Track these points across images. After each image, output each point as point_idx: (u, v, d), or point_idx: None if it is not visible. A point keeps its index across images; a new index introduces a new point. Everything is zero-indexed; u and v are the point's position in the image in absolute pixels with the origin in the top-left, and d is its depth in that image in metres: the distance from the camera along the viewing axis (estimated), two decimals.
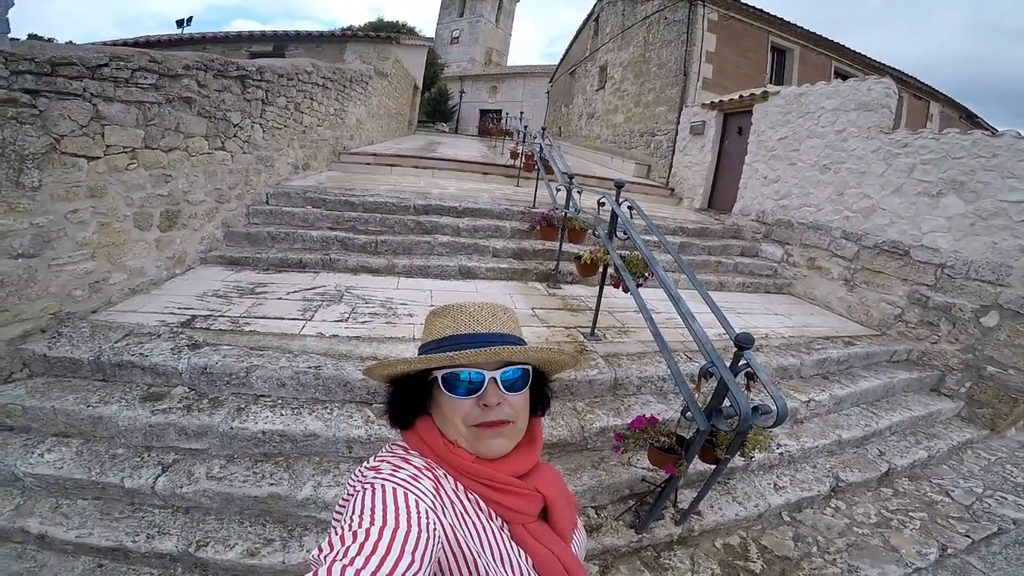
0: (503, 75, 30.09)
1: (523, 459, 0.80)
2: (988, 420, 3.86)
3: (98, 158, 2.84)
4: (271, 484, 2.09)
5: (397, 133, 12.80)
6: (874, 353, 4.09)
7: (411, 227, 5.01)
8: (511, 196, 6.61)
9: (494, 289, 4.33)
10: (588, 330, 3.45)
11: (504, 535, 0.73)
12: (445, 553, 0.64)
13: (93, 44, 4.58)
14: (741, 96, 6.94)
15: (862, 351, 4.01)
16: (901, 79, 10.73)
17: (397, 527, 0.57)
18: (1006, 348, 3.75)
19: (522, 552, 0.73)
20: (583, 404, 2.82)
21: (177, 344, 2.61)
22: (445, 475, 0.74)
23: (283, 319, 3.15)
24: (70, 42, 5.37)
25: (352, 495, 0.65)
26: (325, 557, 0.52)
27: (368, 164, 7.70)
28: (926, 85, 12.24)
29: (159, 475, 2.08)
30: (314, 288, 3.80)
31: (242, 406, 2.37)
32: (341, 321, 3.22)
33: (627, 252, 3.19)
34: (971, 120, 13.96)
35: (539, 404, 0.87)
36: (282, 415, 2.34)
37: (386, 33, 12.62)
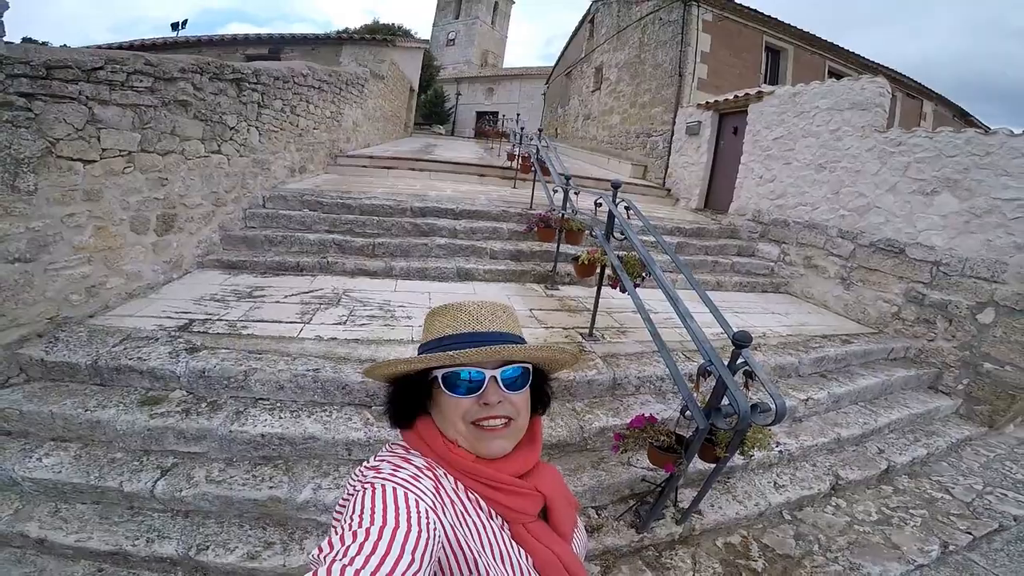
0: (499, 77, 30.17)
1: (523, 459, 0.80)
2: (986, 417, 3.87)
3: (94, 162, 2.83)
4: (271, 487, 2.08)
5: (393, 136, 12.80)
6: (871, 351, 4.10)
7: (408, 229, 5.00)
8: (508, 198, 6.61)
9: (492, 291, 4.33)
10: (586, 330, 3.45)
11: (504, 534, 0.73)
12: (445, 552, 0.64)
13: (88, 47, 4.57)
14: (736, 96, 6.96)
15: (859, 349, 4.02)
16: (895, 78, 10.80)
17: (397, 527, 0.57)
18: (1002, 344, 3.77)
19: (522, 551, 0.73)
20: (582, 404, 2.82)
21: (175, 348, 2.60)
22: (445, 474, 0.74)
23: (281, 322, 3.14)
24: (65, 46, 5.36)
25: (352, 495, 0.65)
26: (325, 557, 0.52)
27: (365, 167, 7.69)
28: (920, 84, 12.33)
29: (158, 479, 2.07)
30: (312, 291, 3.79)
31: (241, 409, 2.36)
32: (339, 324, 3.21)
33: (624, 253, 3.20)
34: (964, 119, 14.06)
35: (539, 403, 0.87)
36: (281, 418, 2.34)
37: (382, 36, 12.61)
